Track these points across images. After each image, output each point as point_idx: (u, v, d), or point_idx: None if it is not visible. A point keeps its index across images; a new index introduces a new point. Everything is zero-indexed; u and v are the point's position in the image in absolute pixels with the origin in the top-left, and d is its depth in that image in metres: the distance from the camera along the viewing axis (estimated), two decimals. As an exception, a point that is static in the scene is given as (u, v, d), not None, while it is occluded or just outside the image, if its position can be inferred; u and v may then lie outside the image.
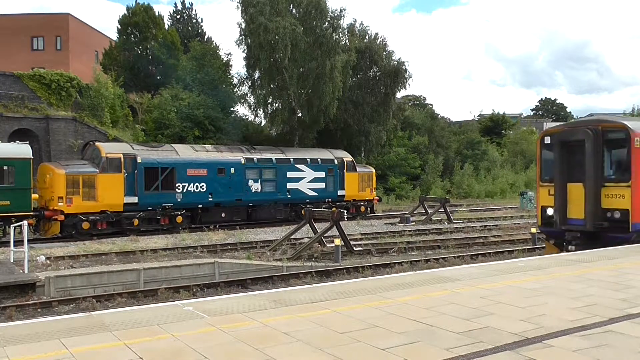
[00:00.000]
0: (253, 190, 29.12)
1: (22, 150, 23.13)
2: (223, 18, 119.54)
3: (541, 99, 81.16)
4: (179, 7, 56.33)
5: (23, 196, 22.50)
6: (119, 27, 46.80)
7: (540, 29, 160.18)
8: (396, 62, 43.85)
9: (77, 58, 51.01)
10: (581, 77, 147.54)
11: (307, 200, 30.58)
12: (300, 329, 6.04)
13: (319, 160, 32.01)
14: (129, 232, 24.74)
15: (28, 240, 15.85)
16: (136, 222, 25.11)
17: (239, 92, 42.61)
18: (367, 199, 33.86)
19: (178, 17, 55.91)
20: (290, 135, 40.20)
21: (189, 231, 25.47)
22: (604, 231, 14.16)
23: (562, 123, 17.82)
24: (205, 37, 55.28)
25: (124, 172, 24.94)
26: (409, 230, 26.09)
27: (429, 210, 32.35)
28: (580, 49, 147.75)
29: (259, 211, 29.46)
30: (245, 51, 38.78)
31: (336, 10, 39.15)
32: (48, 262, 17.36)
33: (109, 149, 25.38)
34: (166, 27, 50.15)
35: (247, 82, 41.42)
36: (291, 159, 30.98)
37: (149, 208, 25.62)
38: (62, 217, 23.37)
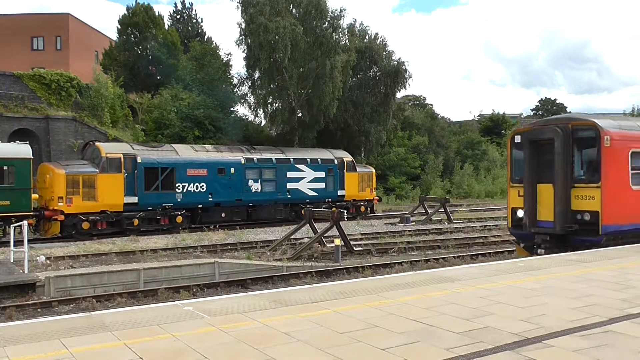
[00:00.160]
0: (253, 190, 29.12)
1: (22, 150, 23.13)
2: (223, 18, 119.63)
3: (541, 99, 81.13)
4: (179, 7, 56.39)
5: (23, 196, 22.50)
6: (119, 27, 46.80)
7: (540, 29, 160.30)
8: (396, 62, 43.88)
9: (77, 58, 51.02)
10: (581, 77, 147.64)
11: (307, 200, 30.58)
12: (300, 329, 6.04)
13: (319, 160, 32.01)
14: (129, 232, 24.74)
15: (28, 240, 15.84)
16: (136, 222, 25.11)
17: (239, 92, 42.64)
18: (367, 199, 33.86)
19: (178, 17, 55.93)
20: (290, 135, 40.21)
21: (189, 231, 25.47)
22: (574, 234, 13.63)
23: (533, 121, 17.43)
24: (205, 37, 55.31)
25: (124, 172, 24.94)
26: (409, 230, 26.09)
27: (429, 210, 32.35)
28: (580, 49, 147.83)
29: (259, 211, 29.46)
30: (245, 51, 38.80)
31: (336, 10, 39.21)
32: (48, 262, 17.36)
33: (109, 149, 25.38)
34: (166, 27, 50.14)
35: (247, 82, 41.46)
36: (291, 159, 30.98)
37: (149, 208, 25.62)
38: (62, 217, 23.37)
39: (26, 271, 14.79)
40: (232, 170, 28.31)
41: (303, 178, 31.05)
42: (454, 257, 18.69)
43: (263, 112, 41.51)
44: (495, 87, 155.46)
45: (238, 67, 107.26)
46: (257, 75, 39.93)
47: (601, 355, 5.19)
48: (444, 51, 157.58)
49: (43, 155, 32.16)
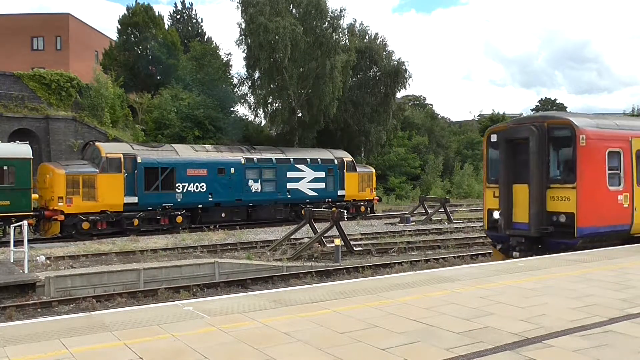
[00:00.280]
0: (253, 190, 29.12)
1: (22, 150, 23.14)
2: (223, 18, 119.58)
3: (541, 99, 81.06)
4: (179, 7, 56.38)
5: (23, 196, 22.50)
6: (119, 27, 46.80)
7: (540, 29, 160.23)
8: (396, 62, 43.89)
9: (77, 58, 51.01)
10: (581, 77, 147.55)
11: (307, 200, 30.57)
12: (300, 329, 6.04)
13: (319, 160, 32.02)
14: (129, 232, 24.74)
15: (28, 240, 15.84)
16: (136, 222, 25.11)
17: (239, 92, 42.66)
18: (367, 199, 33.86)
19: (178, 17, 55.92)
20: (290, 135, 40.21)
21: (189, 231, 25.47)
22: (550, 236, 13.17)
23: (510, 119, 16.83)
24: (205, 37, 55.30)
25: (124, 172, 24.94)
26: (409, 230, 26.09)
27: (429, 210, 32.35)
28: (580, 49, 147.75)
29: (259, 211, 29.46)
30: (245, 51, 38.81)
31: (336, 10, 39.23)
32: (48, 262, 17.36)
33: (109, 149, 25.38)
34: (166, 27, 50.14)
35: (247, 82, 41.48)
36: (291, 159, 30.98)
37: (149, 208, 25.62)
38: (62, 217, 23.37)
39: (26, 271, 14.79)
40: (232, 170, 28.31)
41: (303, 178, 31.05)
42: (454, 257, 18.68)
43: (263, 112, 41.56)
44: (495, 87, 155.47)
45: (238, 67, 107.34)
46: (257, 75, 39.95)
47: (601, 355, 5.18)
48: (444, 51, 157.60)
49: (43, 155, 32.16)
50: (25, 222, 16.41)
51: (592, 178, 13.00)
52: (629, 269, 9.68)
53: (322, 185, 31.70)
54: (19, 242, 16.52)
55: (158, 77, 45.82)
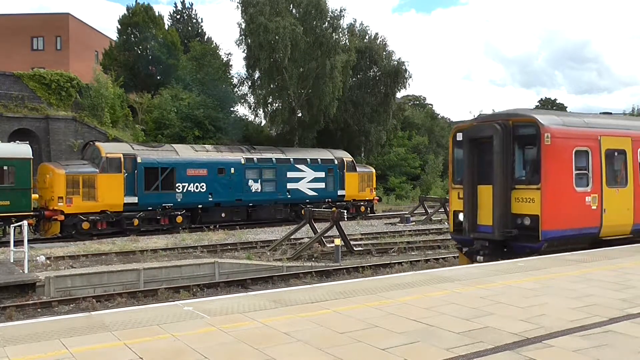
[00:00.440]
0: (253, 190, 29.12)
1: (22, 150, 23.14)
2: (223, 18, 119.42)
3: (541, 99, 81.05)
4: (179, 7, 56.36)
5: (23, 196, 22.51)
6: (119, 27, 46.80)
7: (540, 29, 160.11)
8: (396, 62, 43.91)
9: (77, 58, 51.00)
10: (581, 77, 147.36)
11: (307, 200, 30.58)
12: (300, 329, 6.04)
13: (319, 160, 32.02)
14: (129, 232, 24.74)
15: (28, 240, 15.84)
16: (136, 222, 25.12)
17: (239, 92, 42.67)
18: (367, 199, 33.87)
19: (178, 17, 55.91)
20: (290, 135, 40.23)
21: (189, 231, 25.47)
22: (514, 240, 12.60)
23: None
24: (205, 37, 55.29)
25: (124, 172, 24.95)
26: (409, 230, 26.09)
27: (429, 210, 32.35)
28: (580, 49, 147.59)
29: (259, 211, 29.47)
30: (245, 51, 38.83)
31: (336, 10, 39.26)
32: (48, 262, 17.36)
33: (109, 149, 25.38)
34: (166, 27, 50.15)
35: (247, 82, 41.50)
36: (291, 159, 30.98)
37: (149, 208, 25.63)
38: (62, 217, 23.38)
39: (26, 271, 14.79)
40: (232, 170, 28.32)
41: (303, 178, 31.05)
42: (454, 257, 18.67)
43: (263, 112, 41.60)
44: (495, 87, 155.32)
45: (238, 67, 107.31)
46: (257, 75, 39.97)
47: (601, 355, 5.18)
48: (444, 51, 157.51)
49: (43, 155, 32.16)
50: (25, 222, 16.41)
51: (557, 178, 12.43)
52: (629, 269, 9.68)
53: (322, 185, 31.71)
54: (19, 242, 16.52)
55: (158, 77, 45.82)
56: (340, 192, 32.46)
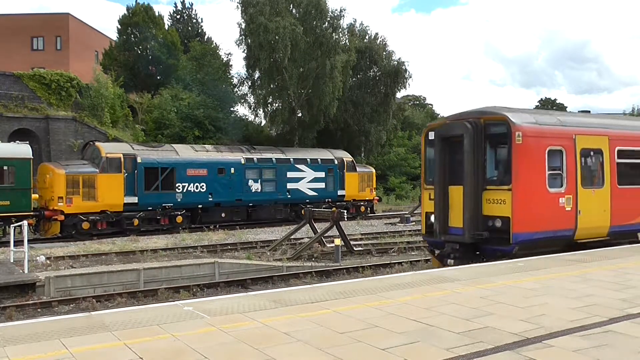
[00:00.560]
0: (253, 190, 29.13)
1: (22, 150, 23.15)
2: (223, 18, 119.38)
3: (541, 99, 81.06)
4: (179, 7, 56.36)
5: (23, 196, 22.51)
6: (119, 27, 46.82)
7: (540, 28, 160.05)
8: (396, 62, 43.91)
9: (77, 58, 51.01)
10: (581, 77, 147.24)
11: (307, 200, 30.58)
12: (300, 329, 6.04)
13: (319, 160, 32.03)
14: (129, 232, 24.75)
15: (28, 240, 15.85)
16: (136, 222, 25.12)
17: (239, 92, 42.68)
18: (367, 199, 33.87)
19: (178, 17, 55.91)
20: (290, 135, 40.24)
21: (189, 231, 25.48)
22: (485, 242, 12.14)
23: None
24: (205, 37, 55.30)
25: (124, 172, 24.95)
26: (409, 230, 26.08)
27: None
28: (580, 49, 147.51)
29: (259, 211, 29.48)
30: (245, 51, 38.84)
31: (336, 10, 39.28)
32: (48, 262, 17.36)
33: (109, 149, 25.39)
34: (166, 27, 50.16)
35: (247, 82, 41.51)
36: (291, 159, 30.98)
37: (149, 208, 25.63)
38: (62, 217, 23.39)
39: (26, 271, 14.79)
40: (232, 170, 28.33)
41: (303, 178, 31.05)
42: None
43: (263, 112, 41.61)
44: (495, 87, 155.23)
45: (238, 67, 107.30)
46: (257, 75, 39.98)
47: (601, 355, 5.18)
48: (443, 51, 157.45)
49: (43, 155, 32.17)
50: (25, 222, 16.41)
51: (529, 179, 11.99)
52: (629, 269, 9.68)
53: (322, 185, 31.72)
54: (19, 242, 16.52)
55: (158, 77, 45.82)
56: (340, 192, 32.46)
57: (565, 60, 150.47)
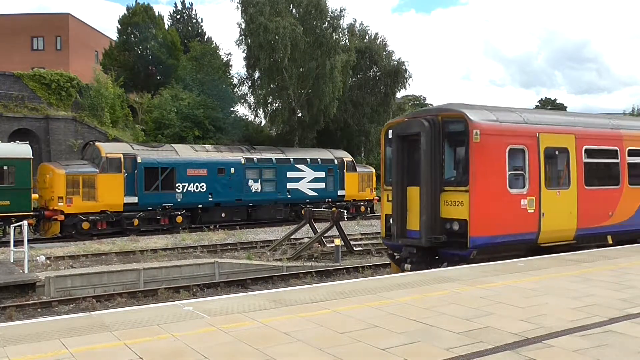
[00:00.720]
0: (253, 190, 29.14)
1: (22, 150, 23.16)
2: (223, 18, 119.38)
3: (541, 99, 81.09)
4: (179, 7, 56.33)
5: (23, 196, 22.51)
6: (119, 27, 46.83)
7: (540, 28, 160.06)
8: (396, 62, 43.91)
9: (77, 58, 51.00)
10: (581, 77, 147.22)
11: (307, 200, 30.58)
12: (300, 329, 6.04)
13: (319, 160, 32.03)
14: (129, 232, 24.75)
15: (28, 240, 15.85)
16: (136, 222, 25.12)
17: (239, 92, 42.68)
18: (367, 199, 33.87)
19: (178, 17, 55.88)
20: (290, 135, 40.23)
21: (189, 231, 25.48)
22: (443, 246, 11.56)
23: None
24: (205, 37, 55.27)
25: (124, 172, 24.95)
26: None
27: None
28: (580, 49, 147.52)
29: (259, 211, 29.48)
30: (245, 51, 38.84)
31: (336, 10, 39.27)
32: (48, 262, 17.36)
33: (109, 149, 25.39)
34: (166, 27, 50.17)
35: (247, 82, 41.53)
36: (291, 159, 30.98)
37: (149, 208, 25.63)
38: (62, 217, 23.39)
39: (26, 271, 14.80)
40: (232, 170, 28.33)
41: (303, 178, 31.05)
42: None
43: (263, 112, 41.62)
44: (495, 87, 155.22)
45: (238, 67, 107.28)
46: (257, 75, 39.99)
47: (601, 355, 5.18)
48: (443, 51, 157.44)
49: (43, 155, 32.16)
50: (25, 222, 16.43)
51: (487, 179, 11.33)
52: (629, 269, 9.68)
53: (322, 185, 31.71)
54: (19, 242, 16.53)
55: (158, 77, 45.82)
56: (340, 192, 32.45)
57: (565, 60, 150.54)
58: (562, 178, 12.71)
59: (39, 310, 12.72)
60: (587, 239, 12.87)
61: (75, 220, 23.71)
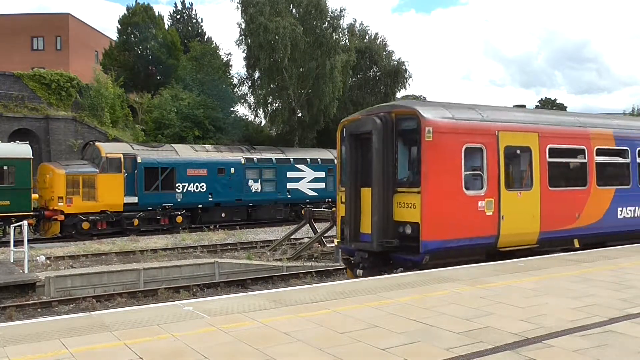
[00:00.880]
0: (253, 190, 29.14)
1: (22, 150, 23.17)
2: (223, 18, 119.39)
3: (541, 99, 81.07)
4: (179, 7, 56.33)
5: (23, 196, 22.52)
6: (119, 27, 46.83)
7: (540, 28, 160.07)
8: (396, 62, 43.93)
9: (77, 58, 51.01)
10: (581, 77, 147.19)
11: (307, 200, 30.58)
12: (300, 329, 6.04)
13: (319, 160, 32.03)
14: (129, 232, 24.76)
15: (28, 240, 15.86)
16: (136, 222, 25.13)
17: (239, 92, 42.68)
18: (367, 199, 33.82)
19: (178, 17, 55.89)
20: (290, 135, 40.24)
21: (189, 231, 25.48)
22: (396, 251, 10.91)
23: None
24: (205, 37, 55.27)
25: (124, 172, 24.96)
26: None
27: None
28: (580, 49, 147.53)
29: (259, 211, 29.48)
30: (245, 51, 38.85)
31: (336, 10, 39.28)
32: (48, 262, 17.37)
33: (109, 149, 25.40)
34: (166, 27, 50.17)
35: (247, 82, 41.53)
36: (291, 159, 30.99)
37: (149, 208, 25.64)
38: (62, 217, 23.40)
39: (26, 271, 14.80)
40: (232, 170, 28.34)
41: (303, 178, 31.05)
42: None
43: (263, 112, 41.62)
44: (495, 87, 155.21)
45: (238, 67, 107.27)
46: (257, 75, 40.00)
47: (601, 355, 5.18)
48: (443, 51, 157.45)
49: (43, 155, 32.16)
50: (25, 222, 16.43)
51: (441, 180, 10.70)
52: (629, 269, 9.68)
53: (322, 185, 31.71)
54: (19, 242, 16.53)
55: (158, 77, 45.82)
56: (340, 192, 32.41)
57: (565, 60, 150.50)
58: (524, 179, 12.08)
59: (39, 310, 12.73)
60: (551, 243, 12.25)
61: (75, 220, 23.72)
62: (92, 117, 35.78)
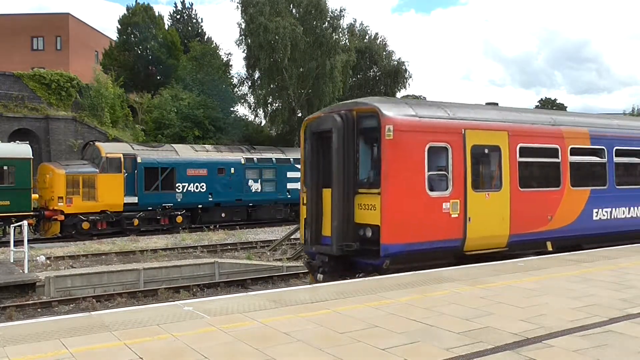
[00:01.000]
0: (253, 190, 29.15)
1: (22, 150, 23.17)
2: (223, 18, 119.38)
3: (541, 99, 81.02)
4: (179, 7, 56.32)
5: (23, 196, 22.52)
6: (119, 27, 46.84)
7: (540, 28, 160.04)
8: (396, 62, 43.91)
9: (77, 58, 51.01)
10: (581, 77, 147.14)
11: (307, 200, 30.53)
12: (300, 329, 6.04)
13: (319, 160, 31.98)
14: (129, 232, 24.76)
15: (28, 240, 15.86)
16: (136, 222, 25.13)
17: (239, 92, 42.68)
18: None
19: (178, 17, 55.88)
20: (290, 135, 40.23)
21: (189, 231, 25.48)
22: (358, 255, 10.46)
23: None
24: (205, 37, 55.26)
25: (124, 172, 24.96)
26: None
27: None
28: (580, 49, 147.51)
29: (259, 211, 29.48)
30: (245, 51, 38.86)
31: (336, 10, 39.29)
32: (48, 262, 17.37)
33: (109, 149, 25.40)
34: (166, 27, 50.18)
35: (247, 82, 41.54)
36: (291, 159, 30.97)
37: (149, 208, 25.64)
38: (62, 217, 23.40)
39: (26, 271, 14.80)
40: (232, 170, 28.34)
41: (303, 178, 31.02)
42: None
43: (263, 112, 41.64)
44: (495, 87, 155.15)
45: (238, 67, 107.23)
46: (257, 75, 40.01)
47: (601, 355, 5.18)
48: (443, 51, 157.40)
49: (43, 155, 32.16)
50: (25, 222, 16.43)
51: (402, 181, 10.23)
52: (629, 269, 9.68)
53: (322, 185, 31.66)
54: (19, 242, 16.53)
55: (158, 77, 45.83)
56: (340, 192, 32.41)
57: (564, 60, 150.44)
58: (493, 179, 11.60)
59: (39, 310, 12.73)
60: (522, 246, 11.78)
61: (75, 220, 23.72)
62: (92, 117, 35.78)
